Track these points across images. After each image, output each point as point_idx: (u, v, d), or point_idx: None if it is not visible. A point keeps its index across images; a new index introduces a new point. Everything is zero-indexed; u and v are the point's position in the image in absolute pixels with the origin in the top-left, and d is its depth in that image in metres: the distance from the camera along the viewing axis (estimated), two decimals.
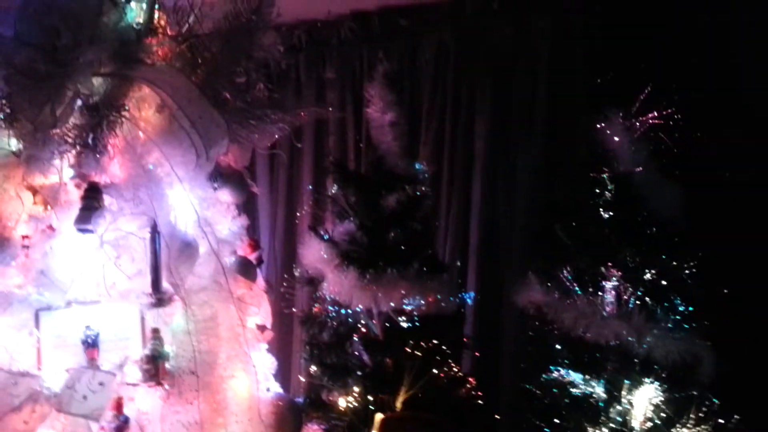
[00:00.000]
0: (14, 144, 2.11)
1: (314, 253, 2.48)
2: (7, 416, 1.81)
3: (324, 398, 2.47)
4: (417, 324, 2.22)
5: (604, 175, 2.10)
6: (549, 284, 2.03)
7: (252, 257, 2.49)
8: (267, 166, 3.55)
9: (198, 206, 2.16)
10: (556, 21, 2.92)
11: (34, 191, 2.13)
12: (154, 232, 2.02)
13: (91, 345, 2.10)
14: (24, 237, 2.10)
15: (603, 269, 2.01)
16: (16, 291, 2.06)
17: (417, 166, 2.49)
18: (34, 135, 2.06)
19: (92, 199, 2.05)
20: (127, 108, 2.10)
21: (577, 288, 2.01)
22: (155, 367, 1.98)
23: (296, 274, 2.62)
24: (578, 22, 2.84)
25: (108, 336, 2.11)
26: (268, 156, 3.31)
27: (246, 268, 2.37)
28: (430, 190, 2.54)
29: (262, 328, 2.32)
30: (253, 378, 2.10)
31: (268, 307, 2.46)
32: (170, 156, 2.12)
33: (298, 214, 3.31)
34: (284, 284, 2.80)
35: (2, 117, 2.06)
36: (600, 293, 2.02)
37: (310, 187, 3.21)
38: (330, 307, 2.34)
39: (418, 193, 2.43)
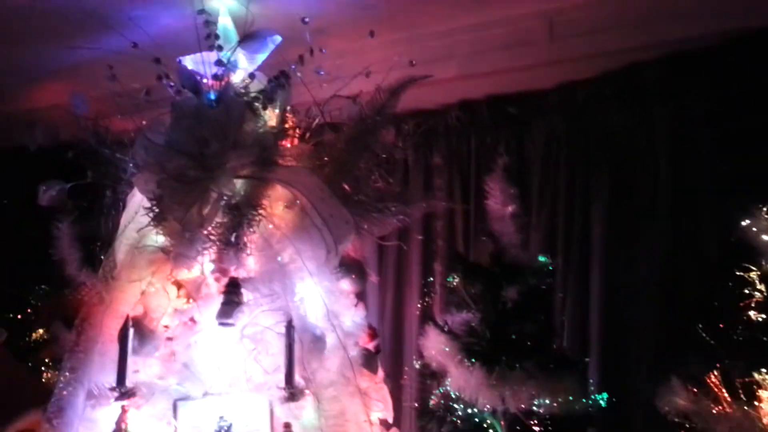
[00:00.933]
0: (161, 241, 2.30)
1: (434, 345, 2.47)
2: None
3: None
4: (549, 427, 2.13)
5: (753, 274, 1.98)
6: (695, 390, 1.90)
7: (371, 346, 2.52)
8: (376, 251, 3.63)
9: (326, 299, 2.24)
10: (676, 107, 2.87)
11: (179, 285, 2.29)
12: (289, 326, 2.10)
13: None
14: (165, 327, 2.25)
15: (757, 376, 1.87)
16: (157, 382, 2.19)
17: (541, 258, 2.46)
18: (181, 234, 2.24)
19: (233, 294, 2.17)
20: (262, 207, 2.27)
21: (728, 396, 1.87)
22: None
23: (416, 365, 2.61)
24: (700, 108, 2.77)
25: (239, 428, 2.18)
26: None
27: (369, 360, 2.40)
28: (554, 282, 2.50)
29: (385, 423, 2.31)
30: None
31: (389, 400, 2.46)
32: (302, 251, 2.23)
33: (417, 303, 3.29)
34: (404, 376, 2.78)
35: (153, 217, 2.26)
36: (756, 403, 1.87)
37: (431, 278, 3.20)
38: (452, 404, 2.29)
39: (543, 286, 2.39)
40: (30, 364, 3.04)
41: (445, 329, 2.50)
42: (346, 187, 2.43)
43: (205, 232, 2.20)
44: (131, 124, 2.49)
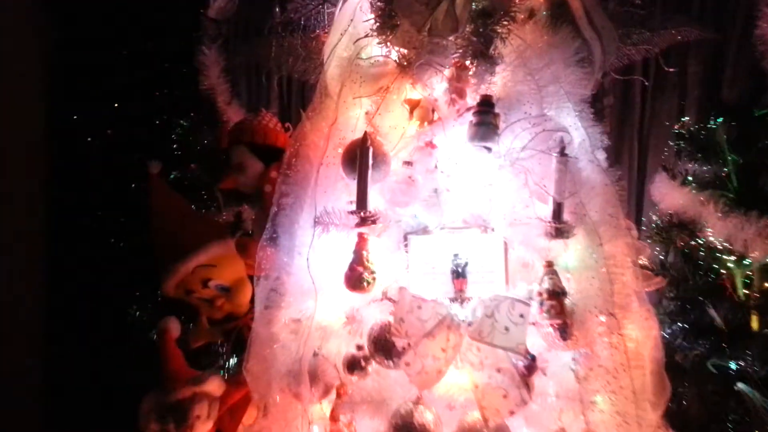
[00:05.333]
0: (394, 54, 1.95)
1: (678, 196, 2.17)
2: (421, 342, 1.66)
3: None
4: None
5: None
6: None
7: None
8: None
9: (585, 129, 1.92)
10: None
11: (413, 105, 1.97)
12: (563, 154, 1.79)
13: (460, 275, 1.92)
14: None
15: None
16: (389, 212, 1.91)
17: None
18: (421, 42, 1.89)
19: (488, 114, 1.85)
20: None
21: None
22: (560, 304, 1.76)
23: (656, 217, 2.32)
24: None
25: (473, 267, 1.93)
26: None
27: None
28: None
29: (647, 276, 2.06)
30: (655, 324, 1.84)
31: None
32: (561, 74, 1.89)
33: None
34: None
35: (382, 23, 1.90)
36: None
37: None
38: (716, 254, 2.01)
39: None
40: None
41: (689, 179, 2.19)
42: None
43: (455, 39, 1.85)
44: None
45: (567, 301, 1.78)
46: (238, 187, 2.43)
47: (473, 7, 1.87)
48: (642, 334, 1.82)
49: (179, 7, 2.83)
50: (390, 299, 1.87)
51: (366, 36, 1.99)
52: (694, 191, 2.12)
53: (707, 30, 2.42)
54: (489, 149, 1.83)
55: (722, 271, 2.11)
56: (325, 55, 2.07)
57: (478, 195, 1.88)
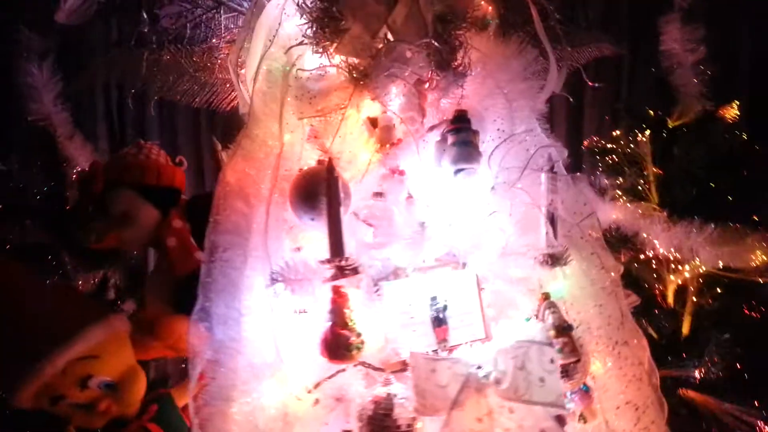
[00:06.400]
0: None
1: (610, 211, 2.15)
2: (451, 416, 1.32)
3: None
4: None
5: None
6: None
7: None
8: None
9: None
10: None
11: (374, 125, 1.62)
12: (551, 171, 1.60)
13: (441, 321, 1.62)
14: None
15: None
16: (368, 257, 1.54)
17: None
18: (374, 50, 1.57)
19: (466, 132, 1.59)
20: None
21: None
22: (571, 340, 1.56)
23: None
24: None
25: (451, 311, 1.65)
26: None
27: None
28: None
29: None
30: (645, 341, 1.72)
31: None
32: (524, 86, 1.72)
33: None
34: None
35: (328, 30, 1.55)
36: None
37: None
38: None
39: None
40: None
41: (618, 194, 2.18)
42: None
43: (415, 47, 1.57)
44: None
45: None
46: (122, 244, 1.82)
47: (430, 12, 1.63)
48: (641, 354, 1.70)
49: None
50: (371, 366, 1.50)
51: (300, 43, 1.63)
52: (628, 204, 2.11)
53: (621, 46, 2.51)
54: (472, 172, 1.58)
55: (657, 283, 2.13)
56: (249, 69, 1.65)
57: (460, 226, 1.61)
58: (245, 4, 1.85)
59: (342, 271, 1.43)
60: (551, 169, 1.60)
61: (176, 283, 1.74)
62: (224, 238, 1.51)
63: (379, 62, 1.56)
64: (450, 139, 1.59)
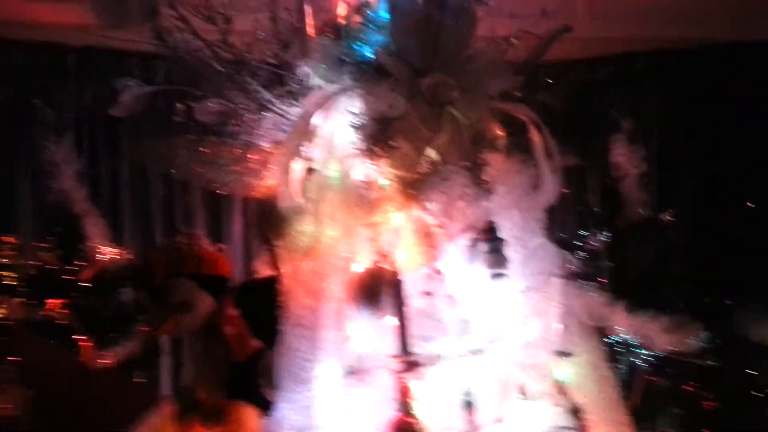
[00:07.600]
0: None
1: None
2: None
3: None
4: None
5: None
6: None
7: None
8: None
9: None
10: None
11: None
12: (570, 276, 1.91)
13: (471, 405, 1.86)
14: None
15: None
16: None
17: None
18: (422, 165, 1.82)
19: (498, 241, 1.87)
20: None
21: None
22: (582, 422, 1.84)
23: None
24: None
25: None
26: None
27: None
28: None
29: None
30: None
31: None
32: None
33: None
34: None
35: (379, 142, 1.79)
36: None
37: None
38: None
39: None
40: None
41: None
42: None
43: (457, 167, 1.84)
44: None
45: None
46: (177, 331, 1.86)
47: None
48: None
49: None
50: None
51: (353, 155, 1.84)
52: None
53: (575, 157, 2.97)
54: (505, 276, 1.86)
55: None
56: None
57: (490, 321, 1.87)
58: (292, 111, 2.02)
59: (411, 366, 1.63)
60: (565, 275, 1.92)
61: (232, 370, 1.82)
62: (294, 330, 1.66)
63: (428, 179, 1.82)
64: (484, 247, 1.87)
